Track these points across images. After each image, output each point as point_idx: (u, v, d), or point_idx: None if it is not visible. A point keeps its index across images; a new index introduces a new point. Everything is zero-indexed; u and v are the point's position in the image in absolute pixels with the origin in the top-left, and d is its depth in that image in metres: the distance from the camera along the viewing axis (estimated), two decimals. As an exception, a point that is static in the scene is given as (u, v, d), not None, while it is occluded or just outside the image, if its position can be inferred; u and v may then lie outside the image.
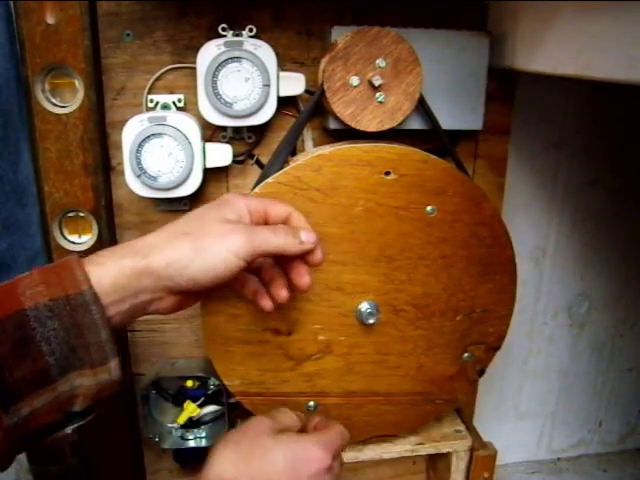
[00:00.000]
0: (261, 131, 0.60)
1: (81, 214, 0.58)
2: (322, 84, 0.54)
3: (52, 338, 0.37)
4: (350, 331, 0.57)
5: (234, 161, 0.59)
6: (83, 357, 0.38)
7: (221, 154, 0.57)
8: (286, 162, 0.56)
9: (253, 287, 0.49)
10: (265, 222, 0.46)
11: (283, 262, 0.47)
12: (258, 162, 0.61)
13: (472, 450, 0.66)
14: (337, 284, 0.56)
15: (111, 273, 0.39)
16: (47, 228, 0.57)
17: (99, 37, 0.55)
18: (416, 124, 0.59)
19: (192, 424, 0.66)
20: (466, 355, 0.61)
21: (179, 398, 0.65)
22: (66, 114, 0.54)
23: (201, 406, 0.65)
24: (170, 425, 0.66)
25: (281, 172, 0.52)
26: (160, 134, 0.53)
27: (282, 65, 0.58)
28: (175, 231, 0.43)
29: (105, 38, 0.55)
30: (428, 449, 0.66)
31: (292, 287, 0.47)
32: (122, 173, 0.55)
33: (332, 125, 0.57)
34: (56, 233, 0.57)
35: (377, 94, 0.54)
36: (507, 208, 0.69)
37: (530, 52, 0.53)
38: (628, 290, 0.92)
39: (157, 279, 0.40)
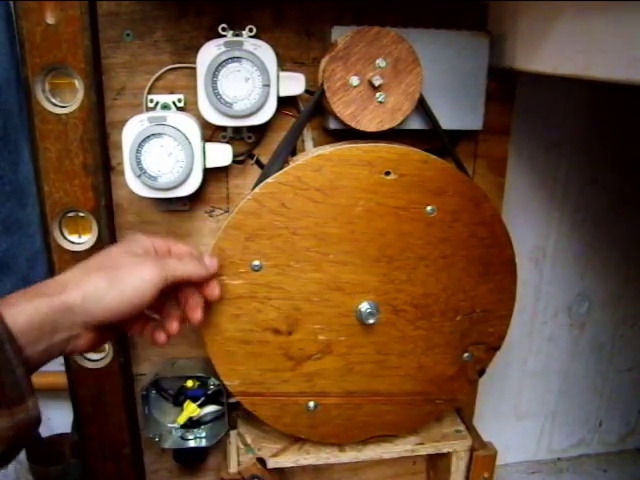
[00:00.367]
0: (261, 131, 0.60)
1: (81, 214, 0.58)
2: (322, 84, 0.54)
3: None
4: (350, 331, 0.57)
5: (234, 161, 0.59)
6: None
7: (221, 154, 0.57)
8: (286, 162, 0.56)
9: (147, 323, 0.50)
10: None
11: (179, 295, 0.49)
12: (258, 162, 0.61)
13: (472, 450, 0.66)
14: (337, 284, 0.56)
15: (26, 312, 0.38)
16: (47, 228, 0.57)
17: (99, 37, 0.55)
18: (416, 124, 0.59)
19: (192, 424, 0.66)
20: (466, 355, 0.61)
21: (179, 398, 0.65)
22: (66, 114, 0.54)
23: (201, 406, 0.65)
24: (170, 425, 0.66)
25: (281, 172, 0.52)
26: (160, 134, 0.53)
27: (282, 65, 0.58)
28: (88, 267, 0.43)
29: (105, 38, 0.55)
30: (428, 449, 0.66)
31: (186, 320, 0.50)
32: (122, 173, 0.55)
33: (332, 125, 0.57)
34: (56, 233, 0.57)
35: (377, 94, 0.54)
36: (507, 208, 0.69)
37: (530, 52, 0.53)
38: (628, 290, 0.92)
39: (74, 314, 0.40)
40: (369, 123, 0.55)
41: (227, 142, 0.59)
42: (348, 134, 0.57)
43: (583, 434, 1.01)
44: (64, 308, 0.40)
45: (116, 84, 0.57)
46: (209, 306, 0.52)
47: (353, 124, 0.55)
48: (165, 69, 0.57)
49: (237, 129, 0.59)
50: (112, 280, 0.42)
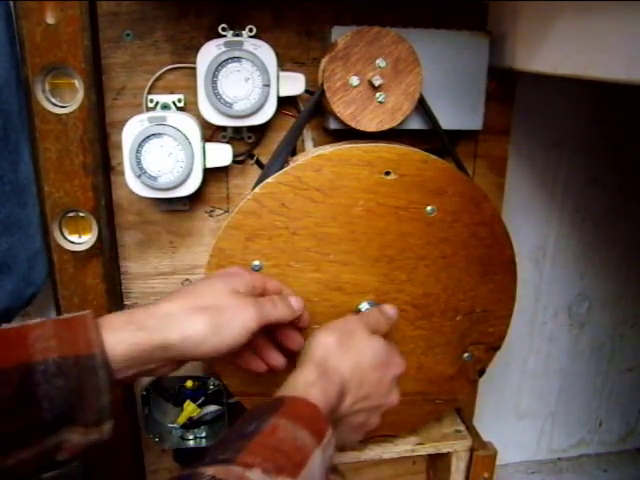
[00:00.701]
0: (261, 131, 0.60)
1: (81, 214, 0.58)
2: (322, 84, 0.54)
3: (54, 397, 0.36)
4: (350, 331, 0.57)
5: (234, 161, 0.59)
6: (78, 417, 0.38)
7: (221, 154, 0.57)
8: (286, 162, 0.56)
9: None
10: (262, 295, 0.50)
11: (274, 329, 0.51)
12: (258, 162, 0.61)
13: (472, 450, 0.66)
14: (337, 284, 0.56)
15: (126, 343, 0.40)
16: (47, 228, 0.57)
17: (99, 37, 0.55)
18: (416, 124, 0.59)
19: (192, 424, 0.66)
20: (466, 355, 0.61)
21: (179, 398, 0.65)
22: (66, 114, 0.54)
23: (201, 406, 0.65)
24: (170, 425, 0.66)
25: (281, 172, 0.52)
26: (160, 134, 0.53)
27: (282, 65, 0.58)
28: (192, 304, 0.43)
29: (105, 38, 0.55)
30: (428, 449, 0.66)
31: (285, 351, 0.52)
32: (122, 173, 0.55)
33: (332, 125, 0.57)
34: (56, 233, 0.57)
35: (377, 94, 0.54)
36: (507, 208, 0.69)
37: (530, 52, 0.53)
38: (628, 290, 0.92)
39: (169, 352, 0.41)
40: (369, 123, 0.55)
41: (227, 142, 0.59)
42: (348, 134, 0.57)
43: (583, 434, 1.01)
44: (163, 346, 0.41)
45: (116, 84, 0.57)
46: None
47: (353, 124, 0.55)
48: (165, 69, 0.57)
49: (237, 129, 0.59)
50: (214, 325, 0.42)
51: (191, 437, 0.66)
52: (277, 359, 0.51)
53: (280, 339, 0.52)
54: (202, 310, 0.43)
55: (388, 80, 0.54)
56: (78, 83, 0.53)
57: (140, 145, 0.53)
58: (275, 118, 0.57)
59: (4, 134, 0.56)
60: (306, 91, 0.57)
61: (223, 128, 0.59)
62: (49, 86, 0.54)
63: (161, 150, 0.54)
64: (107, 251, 0.59)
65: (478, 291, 0.59)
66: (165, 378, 0.64)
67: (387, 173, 0.54)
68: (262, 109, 0.55)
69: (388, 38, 0.53)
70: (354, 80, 0.53)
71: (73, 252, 0.58)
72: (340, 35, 0.54)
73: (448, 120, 0.59)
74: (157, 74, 0.57)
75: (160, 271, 0.64)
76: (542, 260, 0.87)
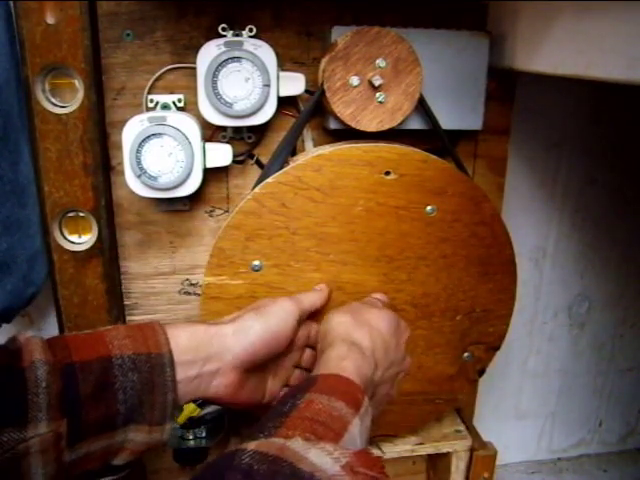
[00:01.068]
0: (261, 131, 0.60)
1: (81, 214, 0.58)
2: (322, 84, 0.54)
3: (128, 389, 0.40)
4: (350, 331, 0.57)
5: (234, 161, 0.59)
6: (146, 413, 0.41)
7: (221, 154, 0.57)
8: (286, 162, 0.56)
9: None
10: None
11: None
12: (258, 162, 0.61)
13: (472, 450, 0.66)
14: (337, 284, 0.56)
15: (187, 332, 0.44)
16: (47, 228, 0.57)
17: (99, 37, 0.55)
18: (416, 124, 0.59)
19: (192, 424, 0.66)
20: (466, 355, 0.61)
21: (179, 398, 0.65)
22: (66, 114, 0.54)
23: (201, 406, 0.65)
24: (170, 425, 0.66)
25: (281, 172, 0.52)
26: (160, 134, 0.53)
27: (282, 65, 0.58)
28: (245, 310, 0.50)
29: (105, 38, 0.55)
30: (428, 449, 0.66)
31: None
32: (122, 173, 0.55)
33: (332, 125, 0.57)
34: (56, 233, 0.57)
35: (377, 94, 0.54)
36: (507, 208, 0.69)
37: (530, 52, 0.53)
38: (628, 290, 0.92)
39: (225, 344, 0.45)
40: (369, 123, 0.55)
41: (227, 142, 0.59)
42: (348, 134, 0.57)
43: (583, 434, 1.01)
44: (218, 336, 0.45)
45: (116, 84, 0.57)
46: None
47: (353, 124, 0.55)
48: (165, 69, 0.57)
49: (237, 129, 0.59)
50: (259, 313, 0.48)
51: (191, 437, 0.66)
52: None
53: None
54: (249, 310, 0.49)
55: (388, 80, 0.54)
56: (78, 83, 0.53)
57: (140, 145, 0.53)
58: (275, 118, 0.57)
59: (4, 134, 0.56)
60: (306, 91, 0.57)
61: (223, 128, 0.59)
62: (49, 86, 0.53)
63: (161, 150, 0.54)
64: (107, 251, 0.59)
65: (478, 291, 0.59)
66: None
67: (387, 173, 0.54)
68: (262, 109, 0.55)
69: (388, 38, 0.53)
70: (354, 80, 0.53)
71: (73, 252, 0.58)
72: (340, 35, 0.54)
73: (448, 120, 0.59)
74: (157, 74, 0.57)
75: (160, 271, 0.64)
76: (542, 260, 0.87)
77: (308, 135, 0.61)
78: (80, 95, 0.53)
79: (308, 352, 0.54)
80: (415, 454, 0.66)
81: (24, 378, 0.37)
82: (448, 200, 0.55)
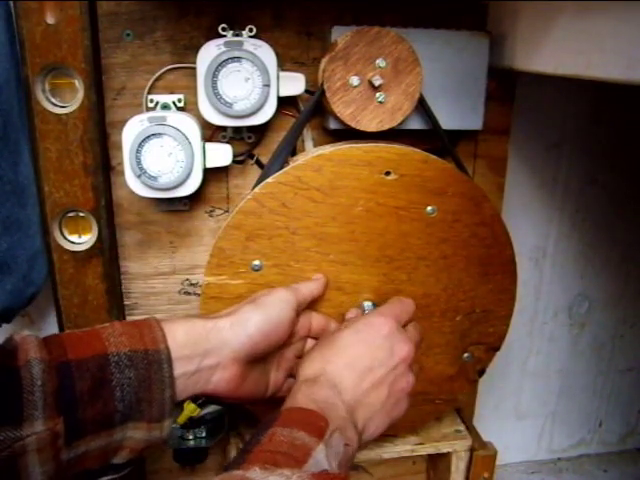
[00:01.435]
0: (261, 131, 0.60)
1: (81, 214, 0.58)
2: (322, 84, 0.54)
3: (125, 386, 0.40)
4: (350, 331, 0.57)
5: (234, 161, 0.59)
6: (144, 410, 0.41)
7: (221, 154, 0.57)
8: (286, 162, 0.56)
9: None
10: None
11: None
12: (258, 162, 0.61)
13: (472, 450, 0.66)
14: (337, 284, 0.56)
15: (183, 327, 0.44)
16: (47, 228, 0.57)
17: (99, 37, 0.55)
18: (416, 124, 0.59)
19: (192, 424, 0.65)
20: (466, 355, 0.61)
21: (179, 398, 0.65)
22: (66, 114, 0.54)
23: (201, 406, 0.65)
24: (170, 425, 0.66)
25: (281, 172, 0.52)
26: (160, 134, 0.53)
27: (282, 65, 0.58)
28: (242, 303, 0.49)
29: (105, 38, 0.55)
30: (428, 449, 0.66)
31: None
32: (122, 173, 0.55)
33: (332, 125, 0.57)
34: (56, 233, 0.57)
35: (377, 94, 0.54)
36: (507, 208, 0.69)
37: (530, 52, 0.53)
38: (628, 290, 0.92)
39: (223, 337, 0.45)
40: (369, 123, 0.55)
41: (227, 142, 0.59)
42: (348, 134, 0.57)
43: (583, 434, 1.01)
44: (216, 330, 0.45)
45: (116, 84, 0.57)
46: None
47: (353, 124, 0.55)
48: (165, 69, 0.57)
49: (237, 129, 0.59)
50: (256, 304, 0.48)
51: (191, 437, 0.66)
52: None
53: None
54: (248, 302, 0.49)
55: (388, 80, 0.54)
56: (78, 83, 0.53)
57: (140, 145, 0.53)
58: (275, 118, 0.57)
59: (4, 134, 0.56)
60: (306, 91, 0.57)
61: (223, 128, 0.59)
62: (49, 86, 0.53)
63: (161, 150, 0.54)
64: (107, 251, 0.59)
65: (478, 291, 0.59)
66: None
67: (387, 173, 0.54)
68: (262, 109, 0.55)
69: (388, 38, 0.53)
70: (354, 80, 0.53)
71: (73, 252, 0.58)
72: (340, 35, 0.54)
73: (448, 120, 0.59)
74: (157, 74, 0.57)
75: (160, 271, 0.64)
76: (542, 260, 0.87)
77: (308, 135, 0.61)
78: (80, 95, 0.53)
79: (310, 342, 0.54)
80: (415, 454, 0.66)
81: (19, 376, 0.37)
82: (448, 200, 0.55)
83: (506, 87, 0.63)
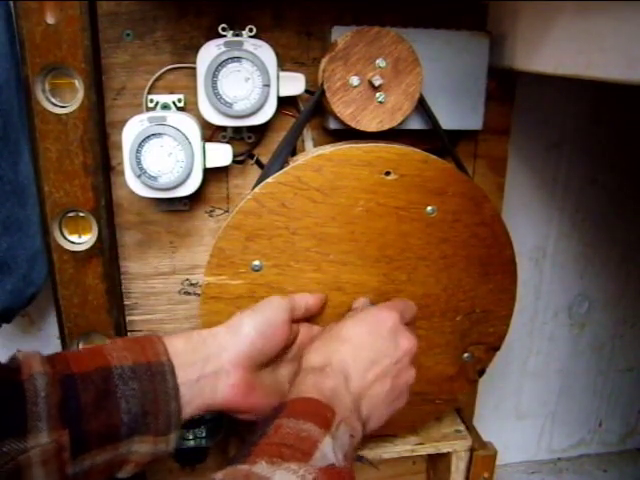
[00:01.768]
0: (261, 131, 0.60)
1: (81, 214, 0.58)
2: (322, 84, 0.54)
3: (130, 398, 0.40)
4: (350, 331, 0.57)
5: (234, 161, 0.59)
6: (150, 423, 0.40)
7: (221, 154, 0.57)
8: (286, 162, 0.56)
9: None
10: None
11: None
12: (258, 162, 0.61)
13: (472, 450, 0.66)
14: (337, 284, 0.56)
15: (182, 338, 0.45)
16: (47, 228, 0.57)
17: (99, 37, 0.55)
18: (416, 124, 0.59)
19: (192, 424, 0.65)
20: (466, 355, 0.61)
21: (179, 398, 0.65)
22: (66, 114, 0.54)
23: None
24: (170, 425, 0.66)
25: (281, 172, 0.52)
26: (160, 134, 0.53)
27: (282, 65, 0.58)
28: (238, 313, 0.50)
29: (105, 38, 0.55)
30: (428, 449, 0.66)
31: None
32: (122, 173, 0.55)
33: (332, 125, 0.57)
34: (56, 233, 0.57)
35: (377, 94, 0.54)
36: (507, 208, 0.69)
37: (530, 52, 0.53)
38: (628, 290, 0.92)
39: (220, 345, 0.46)
40: (369, 123, 0.55)
41: (227, 142, 0.59)
42: (348, 134, 0.57)
43: (583, 434, 1.01)
44: (212, 335, 0.46)
45: (116, 84, 0.57)
46: None
47: (353, 124, 0.55)
48: (165, 69, 0.57)
49: (237, 129, 0.59)
50: (249, 310, 0.49)
51: (191, 437, 0.66)
52: None
53: None
54: (242, 311, 0.49)
55: (388, 80, 0.54)
56: (78, 83, 0.53)
57: (140, 145, 0.53)
58: (275, 118, 0.57)
59: (4, 134, 0.56)
60: (306, 91, 0.57)
61: (223, 128, 0.59)
62: (49, 86, 0.53)
63: (161, 150, 0.54)
64: (107, 251, 0.59)
65: (478, 291, 0.59)
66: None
67: (387, 173, 0.54)
68: (262, 109, 0.55)
69: (388, 38, 0.53)
70: (354, 80, 0.53)
71: (73, 252, 0.58)
72: (340, 35, 0.54)
73: (448, 120, 0.59)
74: (157, 74, 0.57)
75: (160, 271, 0.64)
76: (542, 260, 0.87)
77: (308, 135, 0.61)
78: (80, 95, 0.53)
79: None
80: (415, 454, 0.66)
81: (23, 389, 0.37)
82: (448, 200, 0.55)
83: (506, 87, 0.63)
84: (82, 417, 0.38)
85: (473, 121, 0.60)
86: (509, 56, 0.57)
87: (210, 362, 0.44)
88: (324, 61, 0.54)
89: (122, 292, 0.63)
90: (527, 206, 0.83)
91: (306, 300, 0.53)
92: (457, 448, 0.66)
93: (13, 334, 0.78)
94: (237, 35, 0.54)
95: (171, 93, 0.58)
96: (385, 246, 0.56)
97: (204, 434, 0.66)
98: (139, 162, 0.53)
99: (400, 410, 0.50)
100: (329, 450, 0.35)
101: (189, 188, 0.56)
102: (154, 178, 0.54)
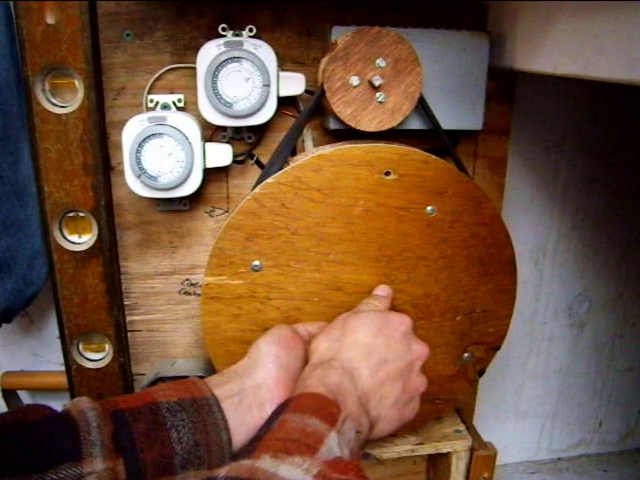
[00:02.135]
0: (261, 131, 0.60)
1: (81, 214, 0.58)
2: (322, 84, 0.54)
3: (180, 427, 0.41)
4: (350, 331, 0.57)
5: (234, 161, 0.59)
6: (203, 455, 0.41)
7: (221, 154, 0.57)
8: (286, 162, 0.56)
9: None
10: None
11: None
12: (258, 162, 0.61)
13: (472, 450, 0.66)
14: (337, 284, 0.56)
15: (214, 376, 0.47)
16: (47, 228, 0.57)
17: (99, 37, 0.55)
18: (416, 124, 0.59)
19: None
20: (466, 355, 0.61)
21: (179, 398, 0.65)
22: (66, 114, 0.54)
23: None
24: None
25: (281, 172, 0.52)
26: (160, 134, 0.53)
27: (282, 65, 0.58)
28: None
29: (105, 38, 0.55)
30: (428, 449, 0.66)
31: None
32: (122, 173, 0.55)
33: (332, 125, 0.57)
34: (56, 233, 0.57)
35: (377, 94, 0.54)
36: (507, 208, 0.69)
37: (530, 52, 0.53)
38: (628, 290, 0.92)
39: (249, 369, 0.47)
40: (369, 123, 0.55)
41: (227, 142, 0.59)
42: (348, 134, 0.57)
43: (583, 434, 1.01)
44: (236, 366, 0.48)
45: (116, 84, 0.57)
46: None
47: (353, 124, 0.55)
48: (165, 69, 0.57)
49: (237, 129, 0.59)
50: (259, 338, 0.50)
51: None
52: None
53: None
54: None
55: (388, 80, 0.54)
56: (78, 83, 0.53)
57: (140, 145, 0.53)
58: (275, 118, 0.57)
59: (4, 134, 0.56)
60: (306, 91, 0.57)
61: (223, 128, 0.59)
62: (49, 86, 0.54)
63: (161, 150, 0.54)
64: (107, 251, 0.59)
65: (478, 291, 0.59)
66: (165, 378, 0.64)
67: (387, 173, 0.54)
68: (262, 109, 0.55)
69: (388, 38, 0.53)
70: (354, 80, 0.53)
71: (73, 252, 0.58)
72: (340, 35, 0.54)
73: (448, 120, 0.59)
74: (157, 74, 0.57)
75: (160, 271, 0.64)
76: (542, 260, 0.87)
77: (308, 135, 0.61)
78: (80, 95, 0.54)
79: None
80: (415, 454, 0.66)
81: (75, 421, 0.38)
82: (448, 200, 0.55)
83: (506, 87, 0.63)
84: (135, 447, 0.38)
85: (473, 121, 0.60)
86: (509, 56, 0.58)
87: (246, 385, 0.45)
88: (324, 61, 0.54)
89: (122, 292, 0.63)
90: (527, 206, 0.83)
91: (306, 327, 0.54)
92: (457, 448, 0.66)
93: (13, 334, 0.78)
94: (237, 35, 0.54)
95: (171, 93, 0.58)
96: (385, 246, 0.56)
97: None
98: (139, 162, 0.53)
99: (411, 421, 0.49)
100: (335, 445, 0.35)
101: (189, 188, 0.56)
102: (154, 178, 0.54)
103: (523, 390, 0.95)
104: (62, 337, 0.61)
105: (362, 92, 0.54)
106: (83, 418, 0.38)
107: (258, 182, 0.55)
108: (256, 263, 0.54)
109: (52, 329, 0.77)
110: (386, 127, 0.55)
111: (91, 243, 0.58)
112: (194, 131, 0.54)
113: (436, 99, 0.57)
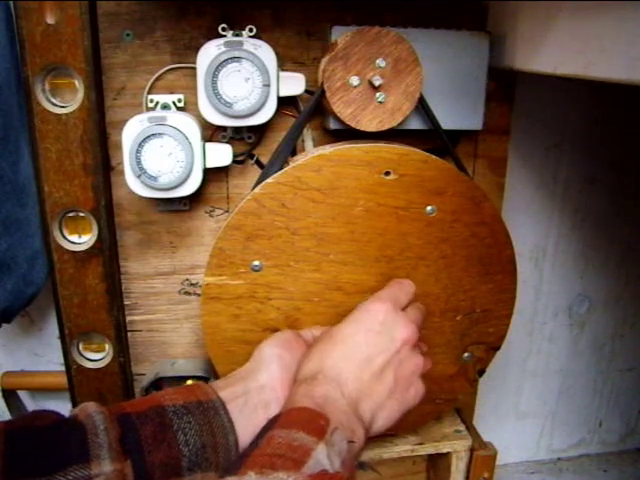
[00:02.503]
0: (261, 131, 0.60)
1: (81, 214, 0.58)
2: (322, 84, 0.54)
3: (187, 429, 0.41)
4: (350, 331, 0.57)
5: (234, 161, 0.59)
6: (210, 457, 0.41)
7: (221, 154, 0.57)
8: (286, 162, 0.56)
9: None
10: None
11: None
12: (258, 162, 0.61)
13: (472, 450, 0.66)
14: (337, 284, 0.56)
15: (220, 379, 0.49)
16: (47, 228, 0.57)
17: (99, 37, 0.55)
18: (416, 124, 0.59)
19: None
20: (466, 355, 0.61)
21: (179, 398, 0.65)
22: (66, 114, 0.54)
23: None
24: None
25: (281, 172, 0.52)
26: (160, 134, 0.53)
27: (282, 65, 0.58)
28: None
29: (105, 38, 0.55)
30: (428, 449, 0.66)
31: None
32: (122, 173, 0.55)
33: (332, 125, 0.57)
34: (56, 233, 0.57)
35: (377, 94, 0.54)
36: (507, 208, 0.69)
37: (530, 52, 0.53)
38: (628, 290, 0.92)
39: (253, 371, 0.48)
40: (369, 123, 0.55)
41: (227, 142, 0.59)
42: (348, 134, 0.57)
43: (583, 434, 1.01)
44: (241, 369, 0.49)
45: (116, 84, 0.57)
46: None
47: (353, 124, 0.55)
48: (165, 69, 0.57)
49: (237, 129, 0.59)
50: (262, 342, 0.51)
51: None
52: None
53: None
54: None
55: (388, 80, 0.54)
56: (78, 83, 0.53)
57: (140, 145, 0.53)
58: (275, 118, 0.57)
59: (4, 134, 0.56)
60: (306, 91, 0.57)
61: (223, 128, 0.59)
62: (49, 86, 0.54)
63: (161, 150, 0.54)
64: (107, 251, 0.59)
65: (478, 291, 0.59)
66: (165, 378, 0.64)
67: (387, 173, 0.54)
68: (262, 109, 0.55)
69: (388, 38, 0.53)
70: (354, 80, 0.53)
71: (73, 252, 0.58)
72: (340, 35, 0.54)
73: (448, 120, 0.59)
74: (157, 74, 0.57)
75: (160, 271, 0.64)
76: (542, 260, 0.87)
77: (308, 135, 0.61)
78: (80, 95, 0.54)
79: None
80: (415, 454, 0.66)
81: (82, 424, 0.38)
82: (448, 200, 0.55)
83: (506, 87, 0.63)
84: (143, 449, 0.39)
85: (473, 121, 0.60)
86: (509, 56, 0.58)
87: (251, 387, 0.46)
88: (324, 61, 0.54)
89: (122, 292, 0.63)
90: (527, 206, 0.83)
91: (311, 331, 0.55)
92: (457, 448, 0.66)
93: (13, 334, 0.78)
94: (237, 35, 0.54)
95: (171, 93, 0.58)
96: (385, 246, 0.56)
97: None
98: (139, 162, 0.53)
99: (419, 403, 0.49)
100: (323, 457, 0.35)
101: (189, 188, 0.56)
102: (154, 178, 0.54)
103: (523, 390, 0.95)
104: (62, 337, 0.61)
105: (362, 92, 0.54)
106: (90, 421, 0.38)
107: (258, 182, 0.55)
108: (256, 263, 0.54)
109: (52, 329, 0.77)
110: (386, 127, 0.55)
111: (91, 243, 0.58)
112: (194, 131, 0.54)
113: (436, 99, 0.57)
